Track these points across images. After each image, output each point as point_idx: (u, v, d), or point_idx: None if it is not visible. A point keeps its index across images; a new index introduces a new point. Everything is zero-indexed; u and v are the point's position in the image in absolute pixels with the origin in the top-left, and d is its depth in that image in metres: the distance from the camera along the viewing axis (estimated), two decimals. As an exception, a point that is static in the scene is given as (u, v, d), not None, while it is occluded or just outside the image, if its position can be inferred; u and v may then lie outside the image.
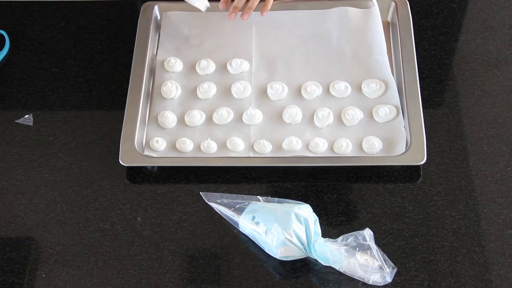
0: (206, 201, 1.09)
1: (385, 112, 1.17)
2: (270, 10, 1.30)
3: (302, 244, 1.01)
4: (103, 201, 1.12)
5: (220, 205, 1.08)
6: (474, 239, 1.06)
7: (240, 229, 1.07)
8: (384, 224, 1.08)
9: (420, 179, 1.12)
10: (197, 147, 1.16)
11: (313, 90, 1.20)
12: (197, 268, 1.06)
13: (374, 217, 1.09)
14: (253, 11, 1.30)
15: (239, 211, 1.06)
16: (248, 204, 1.06)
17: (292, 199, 1.08)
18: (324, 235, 1.03)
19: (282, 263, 1.04)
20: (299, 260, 1.04)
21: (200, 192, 1.10)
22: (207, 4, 1.26)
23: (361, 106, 1.19)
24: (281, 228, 1.01)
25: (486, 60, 1.26)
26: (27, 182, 1.15)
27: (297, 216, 1.02)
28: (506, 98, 1.21)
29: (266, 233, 1.03)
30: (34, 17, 1.35)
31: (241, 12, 1.27)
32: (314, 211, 1.05)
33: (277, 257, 1.03)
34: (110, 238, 1.08)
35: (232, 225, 1.08)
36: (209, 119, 1.19)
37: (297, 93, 1.21)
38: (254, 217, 1.04)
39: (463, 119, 1.19)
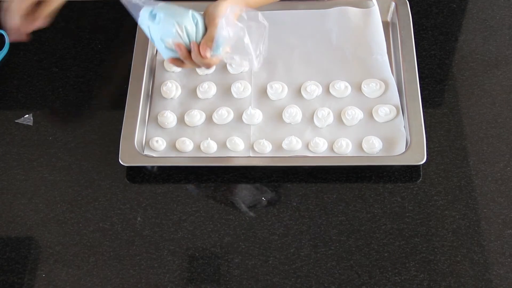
0: None
1: (385, 112, 1.17)
2: (270, 10, 1.30)
3: (189, 41, 1.05)
4: (103, 201, 1.12)
5: None
6: (474, 239, 1.06)
7: (139, 23, 1.08)
8: (384, 224, 1.08)
9: (420, 179, 1.12)
10: (197, 147, 1.16)
11: (313, 90, 1.20)
12: (197, 268, 1.06)
13: (374, 217, 1.09)
14: (253, 10, 1.30)
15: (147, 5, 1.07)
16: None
17: (292, 198, 1.09)
18: (324, 235, 1.03)
19: (282, 263, 1.04)
20: (300, 259, 1.04)
21: None
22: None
23: (361, 106, 1.19)
24: (174, 20, 1.04)
25: (486, 60, 1.26)
26: (27, 182, 1.15)
27: (193, 15, 1.05)
28: (506, 98, 1.21)
29: (158, 23, 1.05)
30: (34, 17, 1.34)
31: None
32: (314, 210, 1.05)
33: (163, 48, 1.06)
34: (110, 238, 1.08)
35: (231, 224, 1.08)
36: (209, 119, 1.19)
37: (297, 93, 1.21)
38: (152, 10, 1.06)
39: (463, 119, 1.19)
